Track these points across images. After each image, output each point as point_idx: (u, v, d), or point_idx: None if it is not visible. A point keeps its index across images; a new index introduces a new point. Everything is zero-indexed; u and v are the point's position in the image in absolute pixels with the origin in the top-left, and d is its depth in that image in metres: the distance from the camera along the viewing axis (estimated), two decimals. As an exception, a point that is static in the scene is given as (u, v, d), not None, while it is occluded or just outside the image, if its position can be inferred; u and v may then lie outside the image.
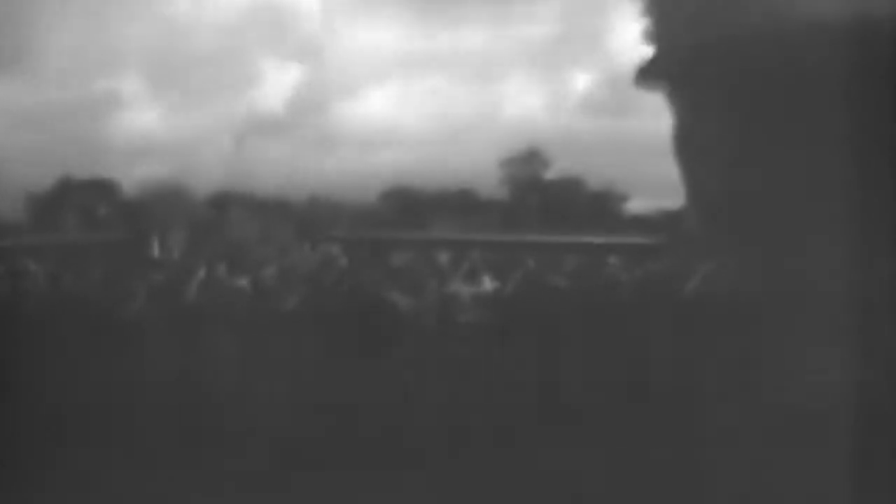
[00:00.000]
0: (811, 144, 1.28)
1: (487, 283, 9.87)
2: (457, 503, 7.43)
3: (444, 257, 12.01)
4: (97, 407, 8.21)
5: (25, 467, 7.40)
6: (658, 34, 1.37)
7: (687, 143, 1.42)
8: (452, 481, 7.45)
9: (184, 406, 8.41)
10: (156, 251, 13.47)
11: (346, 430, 8.09)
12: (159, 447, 7.87)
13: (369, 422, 8.06)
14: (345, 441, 7.99)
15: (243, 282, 10.05)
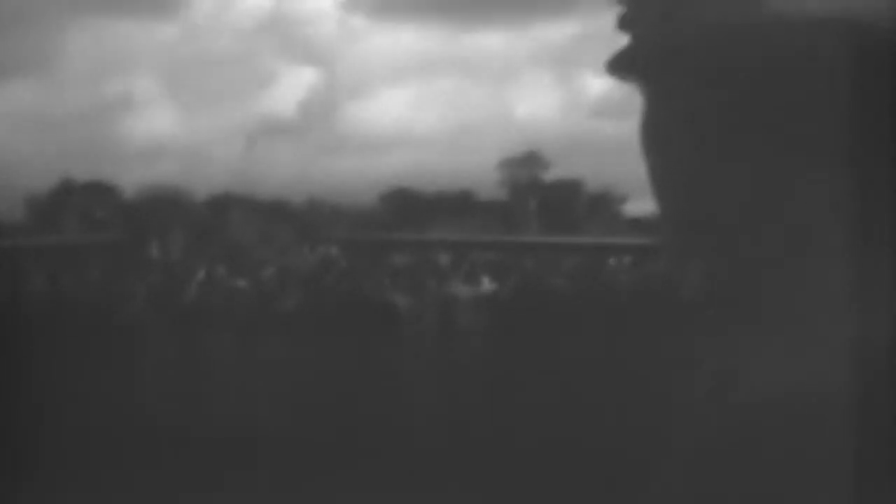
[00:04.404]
0: (801, 143, 1.24)
1: (487, 284, 9.88)
2: (456, 503, 7.41)
3: (443, 258, 12.04)
4: (97, 406, 8.20)
5: (25, 467, 7.38)
6: (634, 22, 1.31)
7: (665, 141, 1.37)
8: (452, 481, 7.43)
9: (183, 405, 8.40)
10: (155, 252, 13.49)
11: (345, 430, 8.08)
12: (159, 447, 7.86)
13: (369, 421, 8.05)
14: (344, 440, 7.97)
15: (243, 282, 10.07)
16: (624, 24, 0.97)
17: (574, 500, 6.76)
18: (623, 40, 0.96)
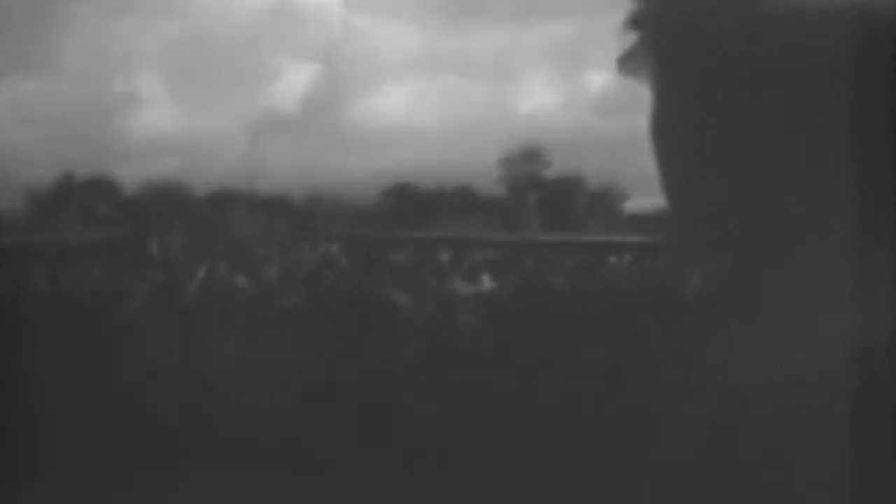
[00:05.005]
0: (806, 137, 1.21)
1: (487, 282, 9.90)
2: (457, 501, 7.41)
3: (444, 256, 12.06)
4: (97, 407, 8.19)
5: (25, 468, 7.38)
6: (644, 20, 1.28)
7: (673, 137, 1.34)
8: (452, 479, 7.43)
9: (183, 405, 8.40)
10: (155, 250, 13.49)
11: (345, 430, 8.08)
12: (159, 447, 7.85)
13: (368, 421, 8.05)
14: (344, 440, 7.97)
15: (243, 281, 10.07)
16: (633, 22, 0.97)
17: (575, 498, 6.76)
18: (629, 38, 0.96)
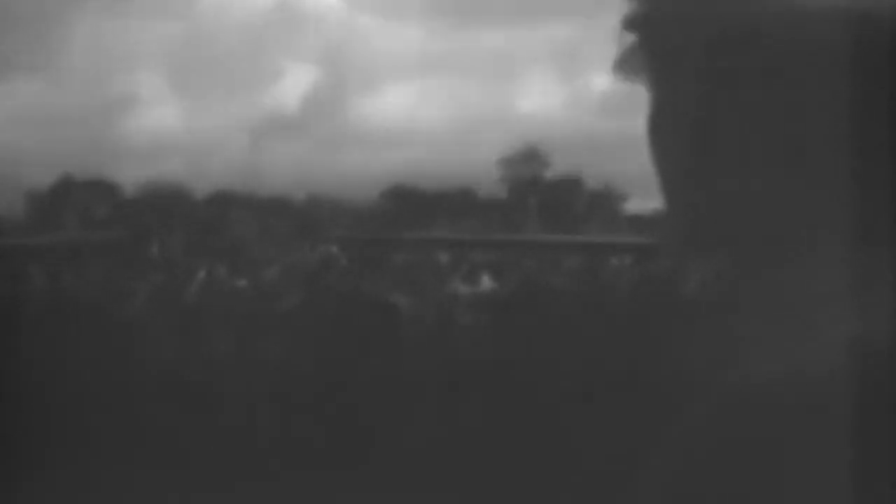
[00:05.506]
0: (804, 137, 1.21)
1: (487, 283, 9.90)
2: (456, 503, 7.40)
3: (443, 257, 12.06)
4: (97, 407, 8.19)
5: (25, 468, 7.37)
6: (639, 21, 1.28)
7: (670, 137, 1.34)
8: (452, 481, 7.42)
9: (183, 406, 8.40)
10: (155, 252, 13.48)
11: (345, 430, 8.07)
12: (159, 447, 7.85)
13: (368, 422, 8.04)
14: (344, 441, 7.96)
15: (243, 282, 10.07)
16: (630, 24, 0.97)
17: (575, 499, 6.75)
18: (627, 39, 0.96)
